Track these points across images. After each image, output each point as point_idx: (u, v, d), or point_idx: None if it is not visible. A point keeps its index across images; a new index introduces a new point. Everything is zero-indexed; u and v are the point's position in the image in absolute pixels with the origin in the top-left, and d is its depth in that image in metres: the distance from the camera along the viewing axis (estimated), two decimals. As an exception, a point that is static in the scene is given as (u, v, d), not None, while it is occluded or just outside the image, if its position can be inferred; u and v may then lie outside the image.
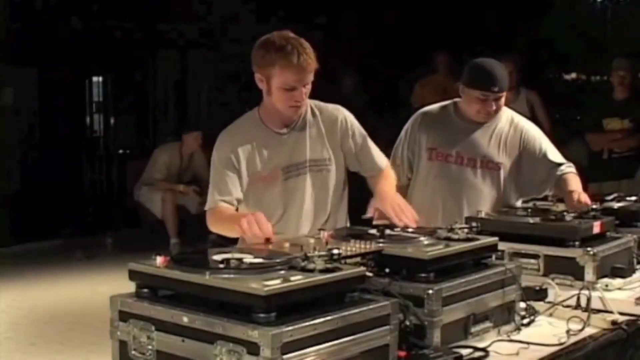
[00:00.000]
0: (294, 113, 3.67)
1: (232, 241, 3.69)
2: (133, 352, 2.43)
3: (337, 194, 3.84)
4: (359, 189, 4.02)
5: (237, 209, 3.66)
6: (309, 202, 3.76)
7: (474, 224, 3.14)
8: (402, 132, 4.61)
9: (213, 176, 3.72)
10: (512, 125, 4.52)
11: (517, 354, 2.74)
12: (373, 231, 3.08)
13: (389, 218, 3.41)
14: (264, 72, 3.58)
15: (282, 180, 3.71)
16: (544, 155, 4.46)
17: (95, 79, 13.14)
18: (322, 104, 3.84)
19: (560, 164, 4.43)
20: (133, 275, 2.52)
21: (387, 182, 3.81)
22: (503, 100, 4.44)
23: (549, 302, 3.27)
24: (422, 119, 4.58)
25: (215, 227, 3.67)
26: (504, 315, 2.92)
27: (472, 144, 4.49)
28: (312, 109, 3.78)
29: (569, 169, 4.42)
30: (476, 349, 2.70)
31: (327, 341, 2.24)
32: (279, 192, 3.72)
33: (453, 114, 4.55)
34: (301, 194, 3.74)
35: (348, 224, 3.91)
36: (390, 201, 3.52)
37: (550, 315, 3.19)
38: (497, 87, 4.34)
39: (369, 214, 3.53)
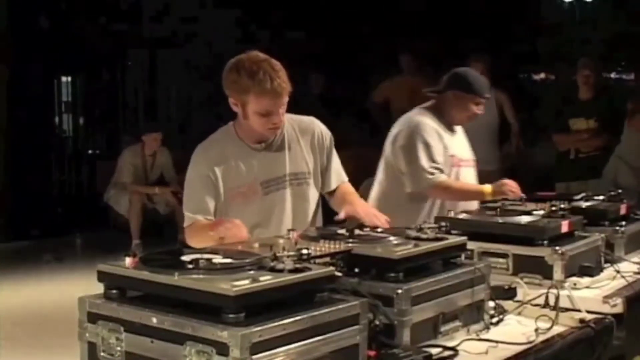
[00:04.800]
0: (272, 134, 3.67)
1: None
2: (102, 353, 2.42)
3: (315, 206, 3.85)
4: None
5: None
6: (289, 216, 3.75)
7: (442, 224, 3.15)
8: (422, 144, 4.66)
9: (190, 194, 3.71)
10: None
11: (486, 352, 2.75)
12: (342, 231, 3.08)
13: (361, 220, 3.42)
14: (237, 98, 3.57)
15: (262, 195, 3.70)
16: None
17: (64, 78, 13.07)
18: (297, 117, 3.83)
19: None
20: (102, 276, 2.51)
21: (355, 195, 3.83)
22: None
23: (517, 301, 3.29)
24: (430, 129, 4.72)
25: (194, 241, 3.63)
26: (473, 314, 2.93)
27: (466, 147, 4.87)
28: (289, 122, 3.77)
29: None
30: (445, 348, 2.70)
31: (297, 341, 2.23)
32: (259, 207, 3.70)
33: (443, 123, 4.78)
34: (281, 208, 3.73)
35: None
36: (362, 206, 3.54)
37: (519, 314, 3.21)
38: (488, 94, 4.78)
39: (341, 216, 3.54)
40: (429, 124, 4.73)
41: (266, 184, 3.69)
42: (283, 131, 3.74)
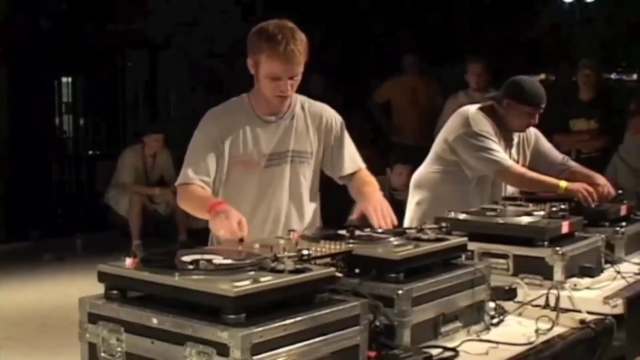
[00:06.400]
0: (279, 103, 3.65)
1: (201, 243, 3.70)
2: (102, 354, 2.42)
3: (312, 190, 3.84)
4: (339, 199, 4.02)
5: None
6: (285, 192, 3.74)
7: (443, 224, 3.15)
8: (482, 131, 4.73)
9: (192, 152, 3.68)
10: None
11: (487, 353, 2.75)
12: (343, 232, 3.08)
13: (369, 219, 3.42)
14: (254, 58, 3.57)
15: (262, 167, 3.69)
16: (550, 149, 5.09)
17: (64, 79, 13.06)
18: (310, 100, 3.85)
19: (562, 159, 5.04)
20: (102, 276, 2.52)
21: (372, 186, 3.79)
22: None
23: (518, 302, 3.29)
24: (485, 120, 4.78)
25: (185, 204, 3.66)
26: (474, 315, 2.94)
27: (516, 156, 4.92)
28: (301, 102, 3.79)
29: (572, 163, 5.03)
30: (446, 348, 2.71)
31: (298, 342, 2.24)
32: (258, 179, 3.70)
33: (497, 125, 4.82)
34: (279, 183, 3.73)
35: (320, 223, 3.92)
36: (375, 203, 3.52)
37: (520, 314, 3.22)
38: (544, 105, 4.74)
39: (354, 215, 3.55)
40: (484, 117, 4.80)
41: (269, 157, 3.70)
42: (294, 109, 3.75)
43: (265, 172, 3.71)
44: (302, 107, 3.79)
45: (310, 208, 3.85)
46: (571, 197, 4.42)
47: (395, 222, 3.46)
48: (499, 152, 4.66)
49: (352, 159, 3.89)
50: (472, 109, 4.85)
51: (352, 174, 3.87)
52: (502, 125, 4.79)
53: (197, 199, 3.57)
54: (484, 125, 4.72)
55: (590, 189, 4.48)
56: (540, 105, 4.75)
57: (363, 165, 3.93)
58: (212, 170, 3.64)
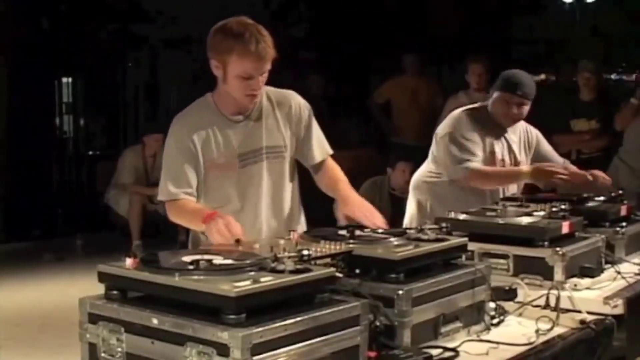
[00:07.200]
0: (249, 102, 3.60)
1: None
2: (102, 354, 2.42)
3: (291, 180, 3.80)
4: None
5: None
6: (267, 189, 3.70)
7: (443, 225, 3.15)
8: (459, 136, 4.72)
9: (169, 165, 3.63)
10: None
11: (487, 353, 2.75)
12: (343, 232, 3.08)
13: (363, 223, 3.40)
14: (220, 59, 3.51)
15: (238, 168, 3.64)
16: (550, 152, 5.03)
17: (64, 79, 13.06)
18: (275, 89, 3.77)
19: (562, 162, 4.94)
20: (102, 277, 2.51)
21: (345, 184, 3.75)
22: (527, 108, 4.80)
23: (518, 302, 3.29)
24: (468, 124, 4.78)
25: (176, 219, 3.63)
26: (474, 315, 2.94)
27: (516, 151, 4.89)
28: (267, 94, 3.71)
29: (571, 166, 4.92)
30: (446, 349, 2.71)
31: (298, 342, 2.24)
32: (236, 181, 3.66)
33: (490, 122, 4.82)
34: (258, 181, 3.68)
35: (302, 212, 3.90)
36: (359, 206, 3.51)
37: (520, 315, 3.21)
38: (521, 92, 4.71)
39: (342, 221, 3.53)
40: (469, 119, 4.79)
41: (243, 157, 3.64)
42: (261, 103, 3.68)
43: (243, 172, 3.66)
44: (269, 99, 3.72)
45: (292, 197, 3.81)
46: (540, 179, 4.47)
47: (384, 219, 3.45)
48: (471, 159, 4.65)
49: (320, 146, 3.84)
50: (458, 110, 4.87)
51: (322, 162, 3.84)
52: (490, 122, 4.79)
53: (189, 213, 3.55)
54: (464, 129, 4.70)
55: (562, 170, 4.52)
56: (515, 91, 4.73)
57: (331, 152, 3.88)
58: (192, 179, 3.59)
